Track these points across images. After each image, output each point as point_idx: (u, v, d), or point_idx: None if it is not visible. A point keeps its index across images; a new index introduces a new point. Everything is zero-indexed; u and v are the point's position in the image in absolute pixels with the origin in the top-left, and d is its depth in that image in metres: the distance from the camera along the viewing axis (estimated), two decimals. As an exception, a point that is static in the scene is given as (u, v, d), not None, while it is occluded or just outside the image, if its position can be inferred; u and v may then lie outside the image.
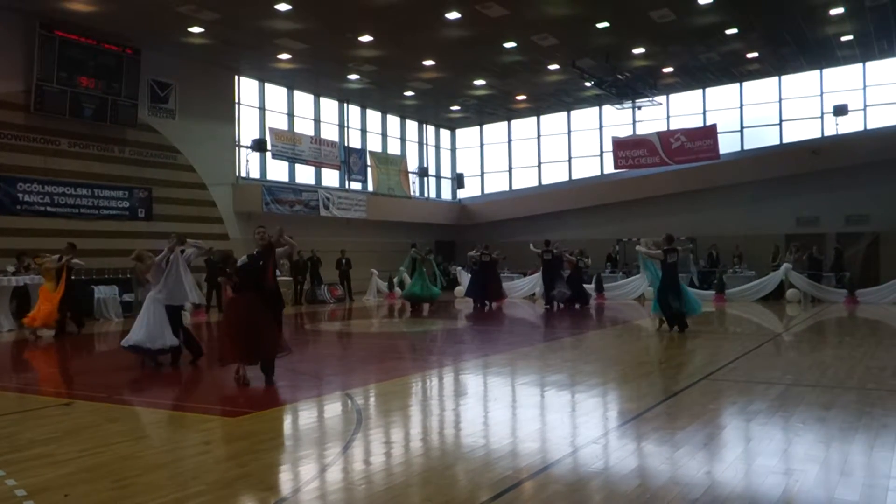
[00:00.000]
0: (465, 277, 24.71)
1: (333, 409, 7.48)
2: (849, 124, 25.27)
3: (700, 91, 27.81)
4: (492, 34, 20.08)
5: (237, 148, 23.69)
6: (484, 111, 30.36)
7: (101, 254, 18.97)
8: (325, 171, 26.89)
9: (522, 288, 25.04)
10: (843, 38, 22.05)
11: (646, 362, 10.13)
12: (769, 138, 27.09)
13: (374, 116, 29.44)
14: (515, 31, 19.97)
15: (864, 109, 25.38)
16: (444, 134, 33.61)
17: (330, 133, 27.13)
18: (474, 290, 21.73)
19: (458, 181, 33.18)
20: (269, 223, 23.40)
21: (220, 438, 6.16)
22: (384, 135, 30.03)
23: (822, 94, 25.92)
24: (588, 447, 5.73)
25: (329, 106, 27.32)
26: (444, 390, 8.76)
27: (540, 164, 31.59)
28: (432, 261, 22.83)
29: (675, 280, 13.25)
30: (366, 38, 20.21)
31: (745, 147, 27.37)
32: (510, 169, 32.40)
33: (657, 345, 12.55)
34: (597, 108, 29.71)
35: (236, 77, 23.54)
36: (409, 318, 18.40)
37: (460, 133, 33.87)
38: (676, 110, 28.46)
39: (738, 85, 27.16)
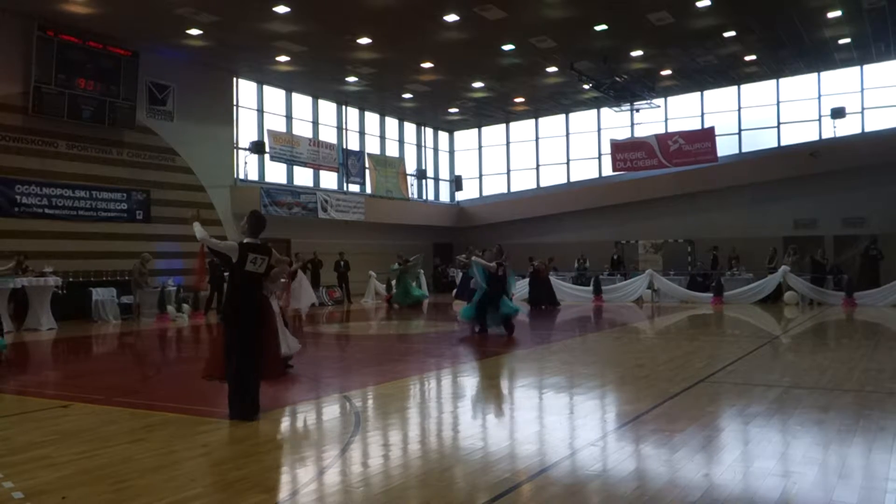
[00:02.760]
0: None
1: (331, 411, 7.47)
2: (846, 127, 25.33)
3: (698, 93, 27.87)
4: (490, 37, 20.10)
5: (235, 150, 23.70)
6: (482, 113, 30.39)
7: (98, 256, 19.01)
8: (323, 174, 26.90)
9: (520, 291, 25.01)
10: (841, 41, 22.10)
11: (644, 365, 10.13)
12: (767, 141, 27.15)
13: (372, 118, 29.46)
14: (513, 33, 20.00)
15: (862, 112, 25.44)
16: (443, 136, 33.63)
17: (328, 135, 27.14)
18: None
19: (457, 183, 33.20)
20: (266, 225, 23.49)
21: (218, 441, 6.15)
22: (382, 137, 30.05)
23: (819, 97, 25.99)
24: (586, 449, 5.73)
25: (327, 108, 27.34)
26: (442, 392, 8.76)
27: (538, 166, 31.62)
28: (414, 267, 23.42)
29: (500, 292, 13.74)
30: (364, 41, 20.22)
31: (743, 149, 27.43)
32: (508, 171, 32.43)
33: (655, 347, 12.57)
34: (595, 111, 29.75)
35: (234, 79, 23.55)
36: (408, 321, 18.38)
37: (458, 135, 33.89)
38: (674, 113, 28.50)
39: (735, 87, 27.22)
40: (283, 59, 21.69)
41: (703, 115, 28.02)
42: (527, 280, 23.21)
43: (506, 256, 14.28)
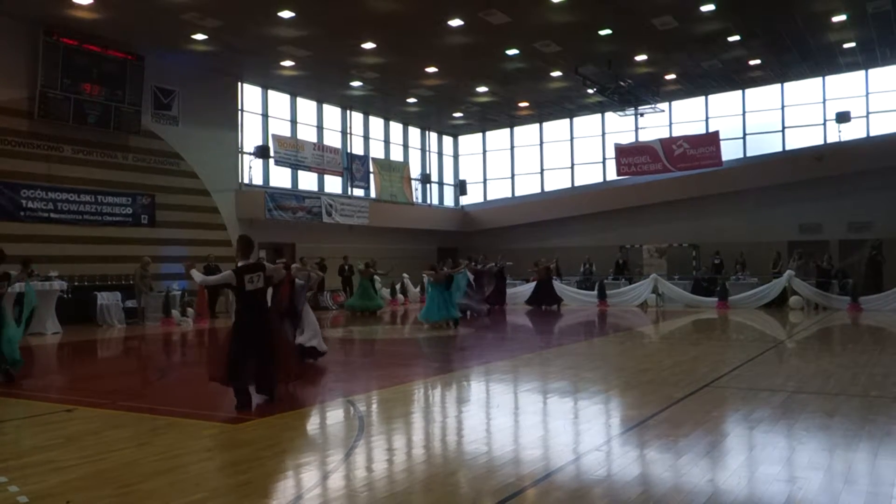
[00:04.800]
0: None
1: (336, 415, 7.48)
2: (851, 131, 25.28)
3: (703, 98, 27.84)
4: (494, 41, 20.12)
5: (240, 154, 23.74)
6: (486, 118, 30.41)
7: (104, 260, 19.05)
8: (327, 178, 26.92)
9: (525, 294, 25.02)
10: (846, 46, 22.06)
11: (648, 369, 10.11)
12: (772, 145, 27.10)
13: (376, 123, 29.50)
14: (518, 37, 20.01)
15: (867, 116, 25.40)
16: (447, 140, 33.66)
17: (333, 140, 27.18)
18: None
19: (461, 188, 33.21)
20: (271, 230, 23.68)
21: (222, 445, 6.16)
22: (387, 141, 30.08)
23: (824, 101, 25.95)
24: (591, 454, 5.72)
25: (332, 112, 27.39)
26: (447, 397, 8.75)
27: (542, 170, 31.62)
28: (384, 276, 22.78)
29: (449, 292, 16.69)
30: (369, 45, 20.26)
31: (748, 154, 27.39)
32: (513, 176, 32.42)
33: (660, 352, 12.55)
34: (599, 115, 29.76)
35: (239, 84, 23.61)
36: (410, 325, 18.37)
37: (463, 140, 33.91)
38: (679, 117, 28.48)
39: (740, 92, 27.20)
40: (287, 63, 21.74)
41: (707, 119, 27.99)
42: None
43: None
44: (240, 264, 7.67)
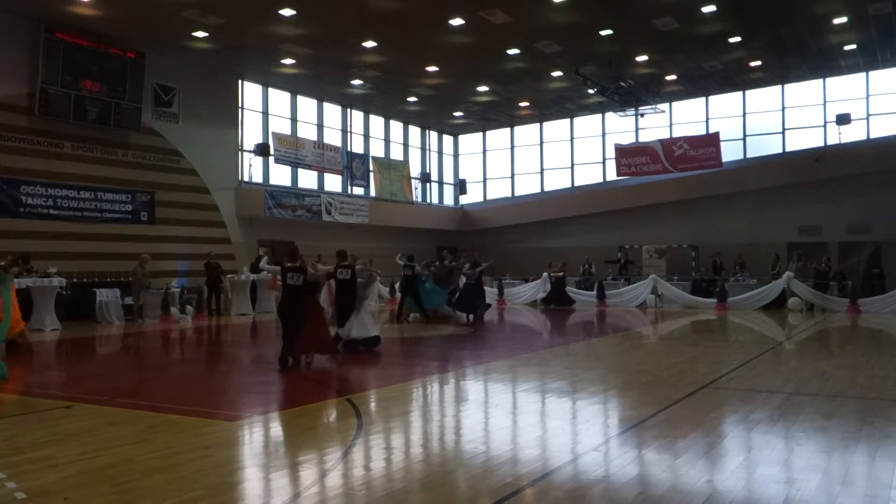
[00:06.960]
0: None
1: (334, 414, 7.48)
2: (852, 133, 25.28)
3: (703, 99, 27.84)
4: (495, 41, 20.12)
5: (240, 152, 23.74)
6: (487, 117, 30.41)
7: (103, 257, 19.05)
8: (327, 176, 26.92)
9: (524, 294, 25.07)
10: (847, 48, 22.07)
11: (647, 370, 10.11)
12: (772, 147, 27.10)
13: (377, 122, 29.49)
14: (519, 37, 20.01)
15: (867, 118, 25.40)
16: (447, 140, 33.66)
17: (333, 138, 27.17)
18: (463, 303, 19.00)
19: (461, 187, 33.21)
20: (271, 228, 23.64)
21: (220, 443, 6.15)
22: (387, 140, 30.07)
23: (825, 103, 25.95)
24: (589, 454, 5.72)
25: (332, 111, 27.38)
26: (445, 396, 8.75)
27: (542, 170, 31.62)
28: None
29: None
30: (369, 44, 20.26)
31: (748, 155, 27.39)
32: (513, 175, 32.42)
33: (658, 353, 12.55)
34: (599, 116, 29.76)
35: (240, 81, 23.61)
36: (409, 325, 18.36)
37: (463, 139, 33.91)
38: (679, 118, 28.48)
39: (741, 93, 27.20)
40: (288, 61, 21.74)
41: (707, 120, 27.99)
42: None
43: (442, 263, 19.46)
44: (287, 265, 10.20)
